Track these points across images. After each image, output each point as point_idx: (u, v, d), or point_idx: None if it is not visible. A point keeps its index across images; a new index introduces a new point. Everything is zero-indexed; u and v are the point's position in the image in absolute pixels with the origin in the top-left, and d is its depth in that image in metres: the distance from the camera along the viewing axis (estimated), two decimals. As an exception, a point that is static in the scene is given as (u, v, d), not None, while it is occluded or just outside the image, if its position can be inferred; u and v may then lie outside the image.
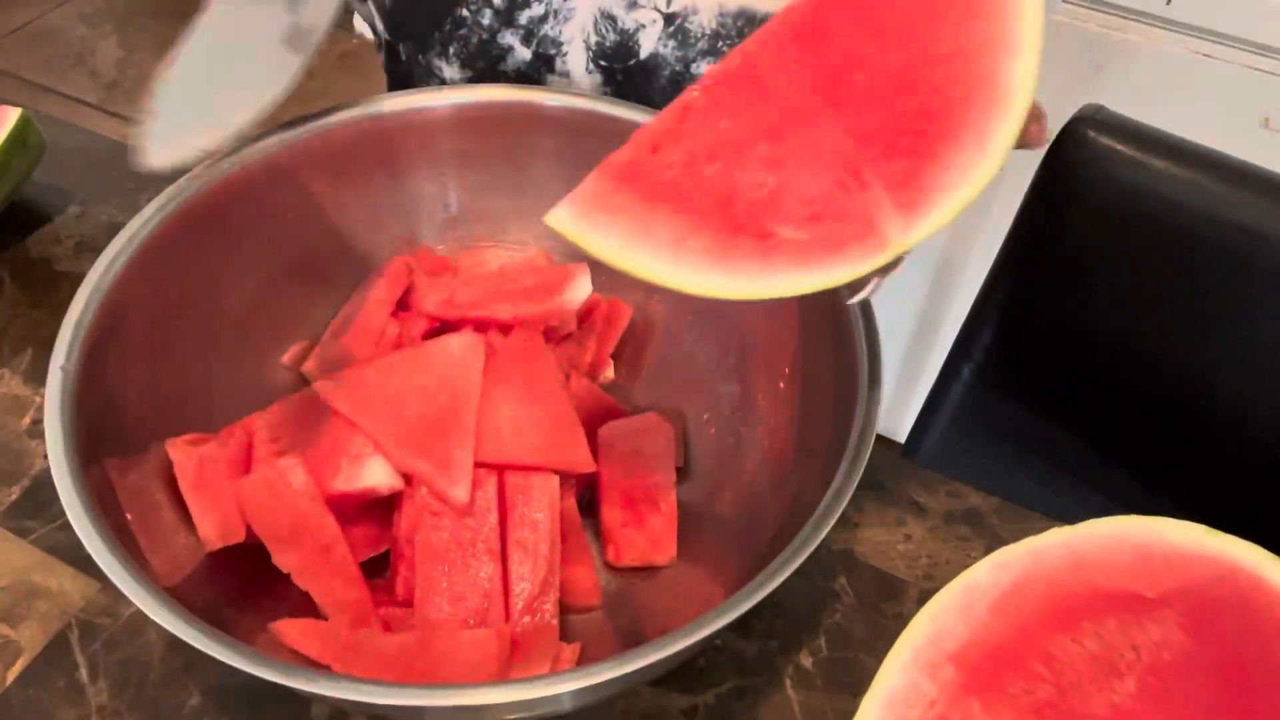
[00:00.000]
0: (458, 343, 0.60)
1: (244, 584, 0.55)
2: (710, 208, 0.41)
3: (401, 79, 0.81)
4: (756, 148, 0.42)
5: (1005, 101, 0.39)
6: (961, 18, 0.40)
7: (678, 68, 0.70)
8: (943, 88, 0.40)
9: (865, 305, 0.55)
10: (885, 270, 0.42)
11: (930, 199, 0.39)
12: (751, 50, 0.45)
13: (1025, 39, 0.39)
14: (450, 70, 0.75)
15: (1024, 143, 0.42)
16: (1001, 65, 0.39)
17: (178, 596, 0.46)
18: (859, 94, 0.42)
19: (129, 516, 0.51)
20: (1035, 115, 0.42)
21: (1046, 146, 0.41)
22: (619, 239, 0.41)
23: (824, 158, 0.41)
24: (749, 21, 0.68)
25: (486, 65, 0.74)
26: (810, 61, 0.43)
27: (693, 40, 0.68)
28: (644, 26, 0.69)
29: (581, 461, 0.60)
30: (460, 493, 0.55)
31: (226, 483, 0.56)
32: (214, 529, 0.55)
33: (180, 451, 0.57)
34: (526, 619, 0.55)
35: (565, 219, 0.42)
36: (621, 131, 0.64)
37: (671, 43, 0.69)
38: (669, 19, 0.68)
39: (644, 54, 0.70)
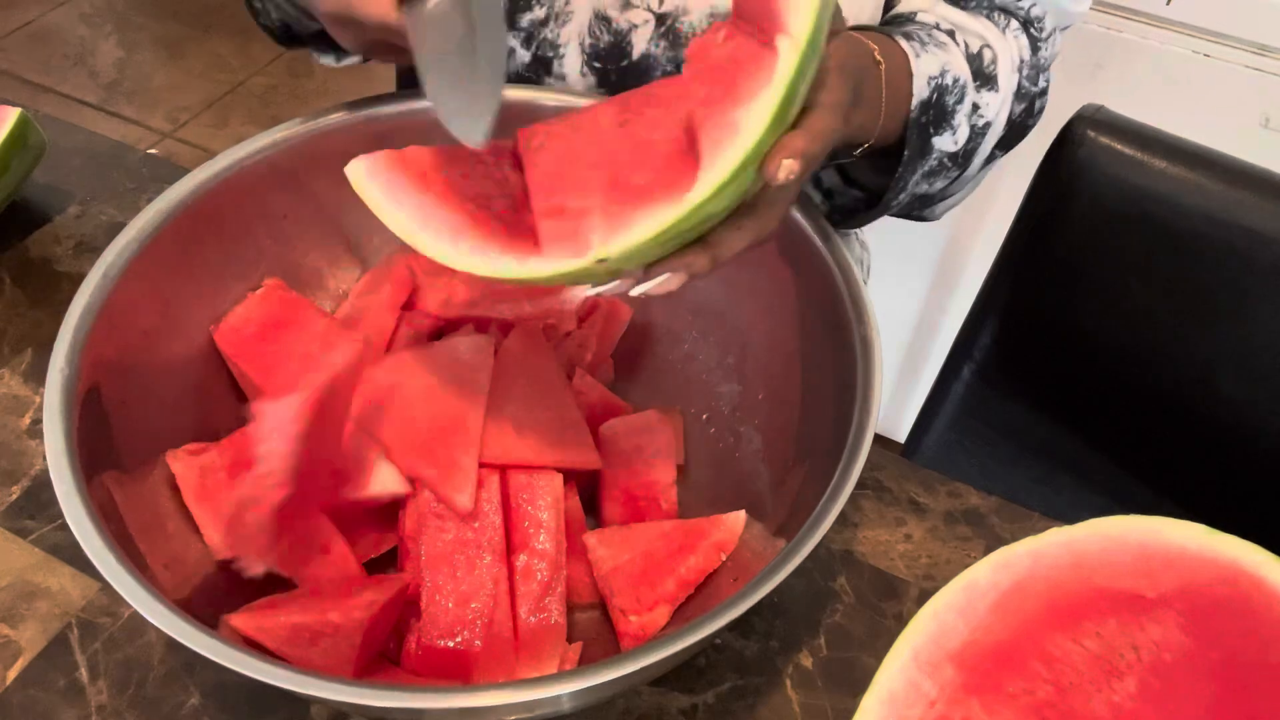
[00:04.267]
0: (466, 345, 0.60)
1: (247, 587, 0.55)
2: (469, 201, 0.49)
3: (410, 76, 0.81)
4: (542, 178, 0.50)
5: (707, 161, 0.43)
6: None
7: (669, 68, 0.70)
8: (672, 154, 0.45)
9: (863, 305, 0.55)
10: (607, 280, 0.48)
11: (628, 226, 0.44)
12: (594, 109, 0.51)
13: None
14: None
15: (764, 179, 0.45)
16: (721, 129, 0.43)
17: (178, 599, 0.46)
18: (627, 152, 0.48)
19: (128, 517, 0.51)
20: (782, 149, 0.44)
21: (787, 181, 0.44)
22: (388, 200, 0.48)
23: (583, 185, 0.47)
24: None
25: None
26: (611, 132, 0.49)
27: (683, 41, 0.69)
28: (636, 27, 0.69)
29: (587, 459, 0.61)
30: (465, 500, 0.55)
31: (229, 491, 0.56)
32: (221, 537, 0.55)
33: (182, 463, 0.57)
34: (532, 618, 0.55)
35: (358, 171, 0.49)
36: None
37: (663, 43, 0.69)
38: (660, 19, 0.69)
39: (636, 55, 0.70)
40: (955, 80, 0.65)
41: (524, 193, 0.49)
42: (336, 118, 0.64)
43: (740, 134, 0.42)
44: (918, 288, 1.42)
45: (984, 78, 0.67)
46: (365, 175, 0.48)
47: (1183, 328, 0.80)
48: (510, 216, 0.48)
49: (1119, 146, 0.77)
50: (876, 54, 0.60)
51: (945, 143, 0.66)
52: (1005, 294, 0.87)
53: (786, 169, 0.44)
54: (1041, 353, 0.89)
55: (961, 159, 0.68)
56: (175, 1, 2.57)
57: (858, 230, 0.93)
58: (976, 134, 0.68)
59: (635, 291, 0.48)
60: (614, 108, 0.50)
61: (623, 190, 0.45)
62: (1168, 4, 1.08)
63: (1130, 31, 1.11)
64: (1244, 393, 0.79)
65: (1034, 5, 0.70)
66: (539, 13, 0.70)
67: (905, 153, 0.64)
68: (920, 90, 0.63)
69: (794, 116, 0.45)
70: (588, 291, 0.49)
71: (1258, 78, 1.08)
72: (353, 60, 0.74)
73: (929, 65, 0.63)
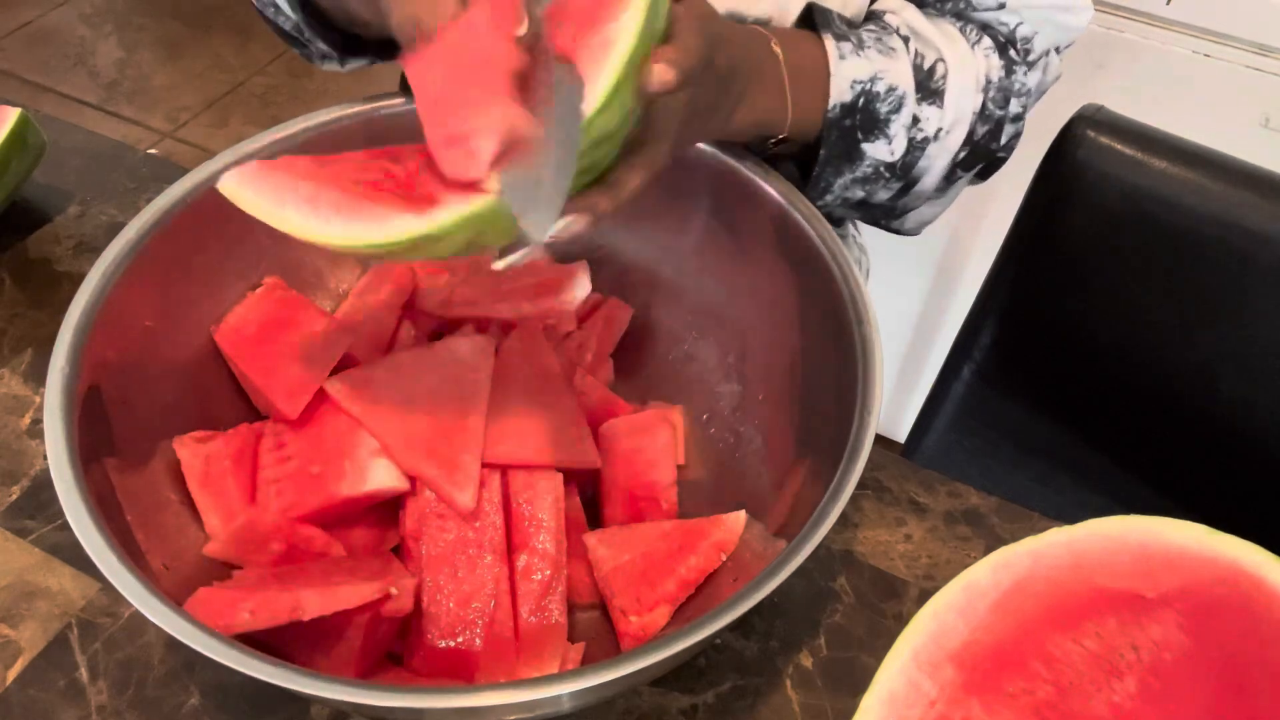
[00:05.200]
0: (467, 345, 0.60)
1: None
2: (356, 186, 0.47)
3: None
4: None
5: (590, 75, 0.43)
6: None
7: None
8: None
9: (863, 305, 0.55)
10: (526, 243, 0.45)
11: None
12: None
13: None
14: None
15: (643, 90, 0.44)
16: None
17: (177, 598, 0.46)
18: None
19: (129, 517, 0.51)
20: (655, 58, 0.44)
21: (663, 89, 0.44)
22: (268, 200, 0.46)
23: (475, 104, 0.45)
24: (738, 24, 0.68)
25: None
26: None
27: None
28: None
29: (587, 459, 0.61)
30: (466, 499, 0.55)
31: (232, 478, 0.56)
32: (221, 523, 0.55)
33: (188, 449, 0.57)
34: (533, 618, 0.55)
35: (231, 183, 0.47)
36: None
37: None
38: None
39: None
40: (891, 89, 0.64)
41: (409, 177, 0.48)
42: (336, 117, 0.64)
43: (614, 44, 0.43)
44: (918, 288, 1.42)
45: (928, 91, 0.66)
46: (238, 184, 0.46)
47: (1183, 328, 0.80)
48: (403, 192, 0.47)
49: (1119, 146, 0.77)
50: (773, 43, 0.60)
51: (880, 151, 0.66)
52: (1005, 294, 0.87)
53: (659, 74, 0.44)
54: (1041, 353, 0.89)
55: (901, 170, 0.68)
56: (175, 1, 2.57)
57: (856, 233, 0.93)
58: (915, 146, 0.67)
59: (501, 265, 0.46)
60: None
61: None
62: (1168, 4, 1.08)
63: (1130, 31, 1.11)
64: (1244, 393, 0.79)
65: (1021, 24, 0.69)
66: (539, 11, 0.70)
67: (822, 152, 0.64)
68: (841, 92, 0.63)
69: (660, 32, 0.45)
70: (498, 263, 0.47)
71: (1258, 78, 1.08)
72: (359, 64, 0.74)
73: (856, 69, 0.63)
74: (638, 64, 0.44)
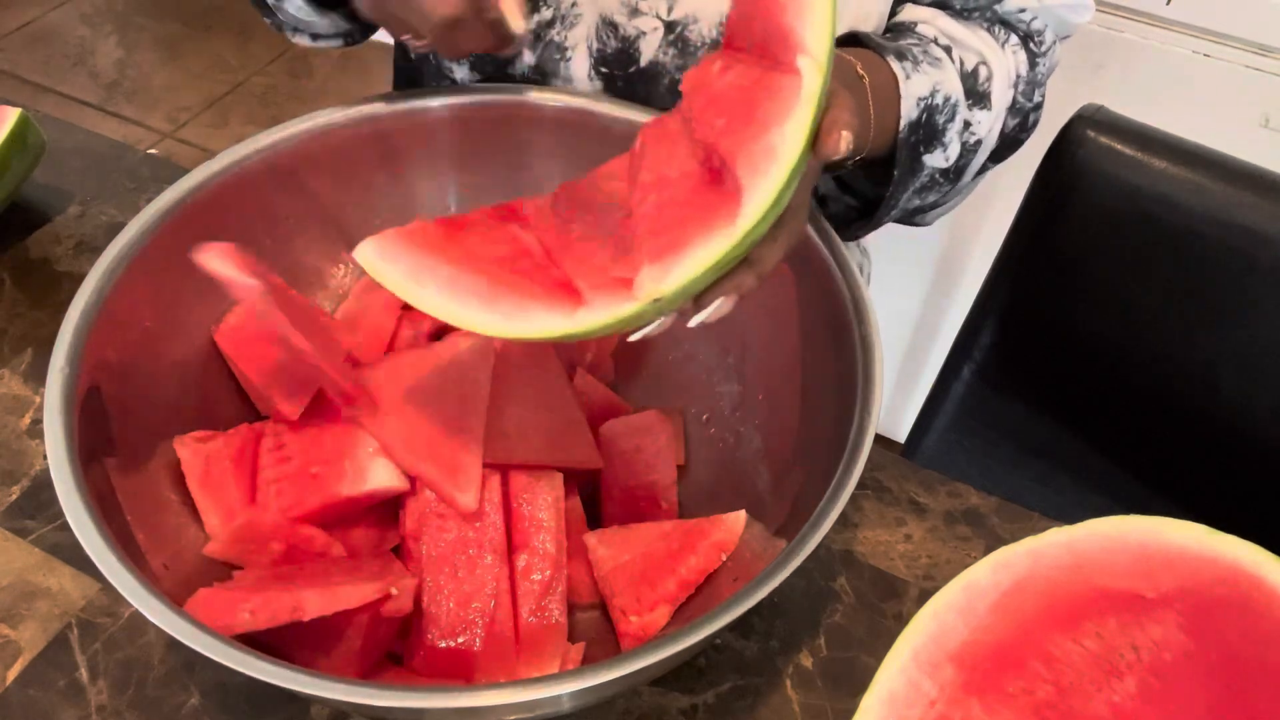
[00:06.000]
0: (467, 345, 0.60)
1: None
2: (493, 264, 0.48)
3: (410, 76, 0.81)
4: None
5: (749, 186, 0.43)
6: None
7: (678, 76, 0.70)
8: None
9: (863, 305, 0.55)
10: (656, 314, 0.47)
11: (679, 262, 0.44)
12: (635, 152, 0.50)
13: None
14: (460, 72, 0.75)
15: (823, 158, 0.44)
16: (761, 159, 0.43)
17: (177, 598, 0.46)
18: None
19: (129, 517, 0.51)
20: (834, 125, 0.44)
21: (847, 151, 0.44)
22: (406, 277, 0.47)
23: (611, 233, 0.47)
24: None
25: (495, 69, 0.74)
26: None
27: (693, 49, 0.68)
28: (644, 34, 0.69)
29: (588, 458, 0.61)
30: (468, 500, 0.55)
31: (232, 478, 0.56)
32: (221, 523, 0.55)
33: (188, 449, 0.57)
34: (533, 618, 0.55)
35: (369, 253, 0.47)
36: (618, 131, 0.65)
37: (672, 50, 0.69)
38: (670, 26, 0.68)
39: (644, 61, 0.70)
40: (946, 99, 0.65)
41: (544, 250, 0.49)
42: (336, 118, 0.64)
43: (779, 157, 0.43)
44: (918, 288, 1.42)
45: (977, 95, 0.67)
46: (378, 256, 0.47)
47: (1183, 328, 0.80)
48: (539, 274, 0.47)
49: (1119, 146, 0.77)
50: (859, 68, 0.60)
51: (937, 160, 0.67)
52: (1005, 294, 0.87)
53: (846, 141, 0.44)
54: (1041, 353, 0.89)
55: (954, 174, 0.69)
56: (175, 1, 2.57)
57: (858, 235, 0.93)
58: (968, 150, 0.68)
59: (692, 323, 0.48)
60: (622, 162, 0.50)
61: (661, 229, 0.45)
62: (1168, 4, 1.08)
63: (1130, 31, 1.11)
64: (1244, 393, 0.79)
65: (1035, 19, 0.70)
66: (545, 14, 0.70)
67: (895, 172, 0.65)
68: (909, 111, 0.63)
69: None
70: (636, 335, 0.48)
71: (1258, 78, 1.08)
72: (331, 41, 0.72)
73: (919, 86, 0.64)
74: (799, 171, 0.43)
